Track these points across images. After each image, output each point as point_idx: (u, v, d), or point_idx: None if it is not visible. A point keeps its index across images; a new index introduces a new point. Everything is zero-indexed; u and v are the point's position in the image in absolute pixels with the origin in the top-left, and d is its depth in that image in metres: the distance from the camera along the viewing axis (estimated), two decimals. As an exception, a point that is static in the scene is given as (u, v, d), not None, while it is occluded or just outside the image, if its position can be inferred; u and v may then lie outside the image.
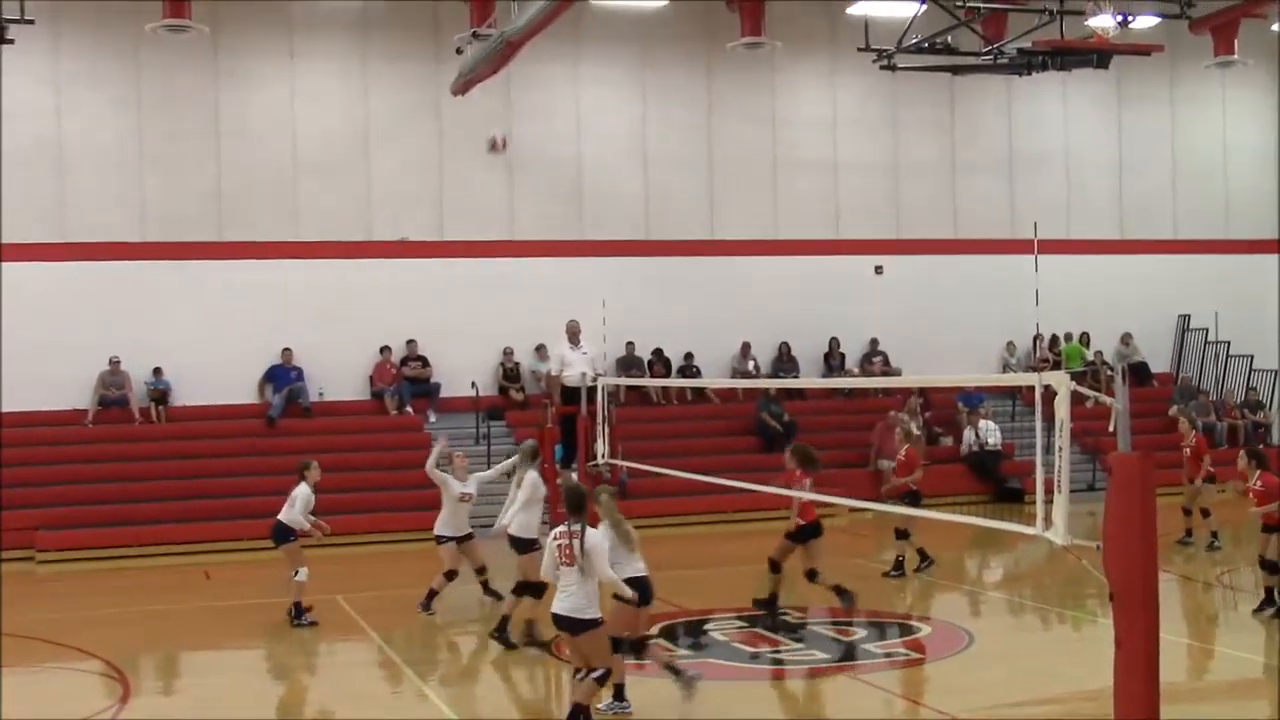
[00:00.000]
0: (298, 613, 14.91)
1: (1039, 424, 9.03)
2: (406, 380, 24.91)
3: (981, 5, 21.17)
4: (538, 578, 11.93)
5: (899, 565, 17.39)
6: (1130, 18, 20.70)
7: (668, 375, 25.81)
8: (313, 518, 15.01)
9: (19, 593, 17.69)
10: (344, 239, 24.79)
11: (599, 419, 17.86)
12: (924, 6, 21.25)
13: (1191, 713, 10.34)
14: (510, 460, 15.08)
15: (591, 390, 18.36)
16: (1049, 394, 8.59)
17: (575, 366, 19.54)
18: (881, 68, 22.26)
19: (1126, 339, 28.90)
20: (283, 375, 24.25)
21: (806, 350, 27.03)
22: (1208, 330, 29.39)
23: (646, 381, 25.46)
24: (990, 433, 25.83)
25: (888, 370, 26.84)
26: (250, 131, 24.51)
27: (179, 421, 23.78)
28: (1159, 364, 29.42)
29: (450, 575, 15.20)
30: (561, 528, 10.05)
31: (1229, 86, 29.64)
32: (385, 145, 25.14)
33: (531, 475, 13.75)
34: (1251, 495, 14.47)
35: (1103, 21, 19.38)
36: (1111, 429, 8.44)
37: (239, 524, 20.53)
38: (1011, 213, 28.31)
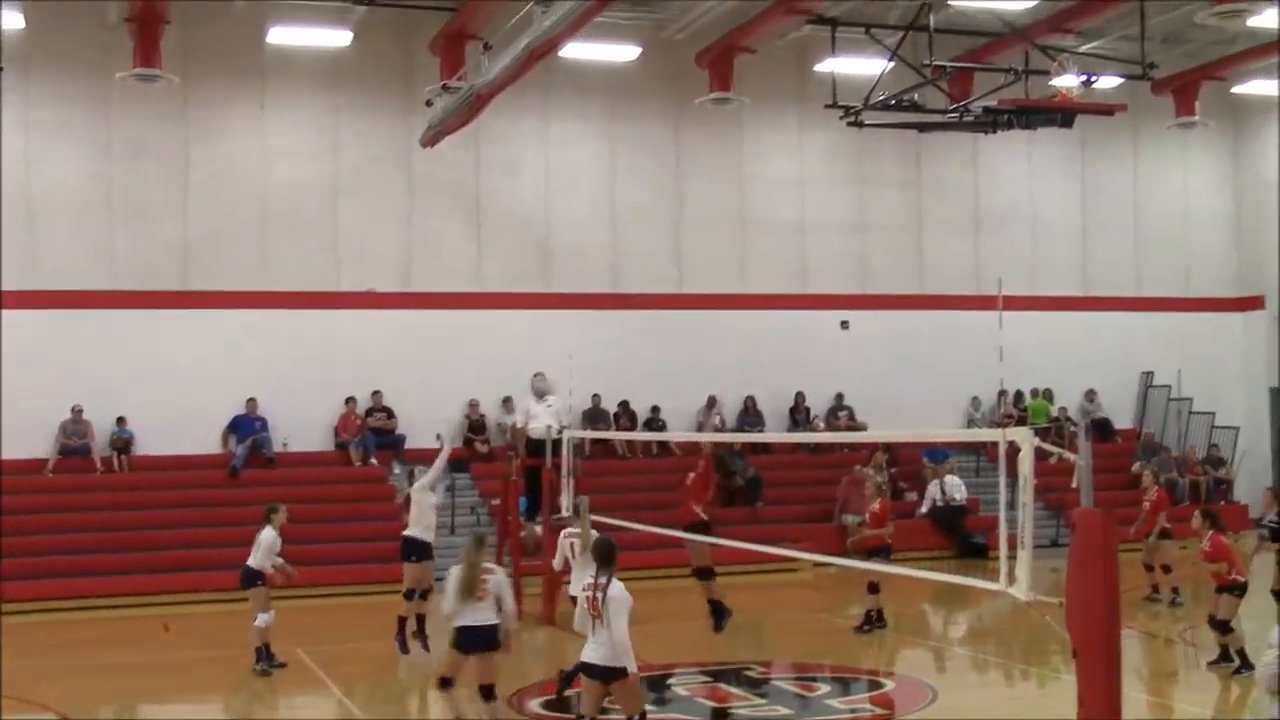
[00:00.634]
0: (261, 657, 14.78)
1: (1003, 479, 9.08)
2: (371, 431, 24.78)
3: (948, 64, 21.46)
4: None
5: (869, 620, 17.35)
6: (1094, 77, 21.00)
7: (633, 428, 25.78)
8: (280, 560, 14.91)
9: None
10: (311, 289, 24.70)
11: (564, 471, 17.86)
12: (891, 64, 21.50)
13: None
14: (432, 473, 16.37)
15: (556, 443, 18.36)
16: (1013, 450, 8.64)
17: (540, 419, 19.47)
18: (849, 124, 22.34)
19: (1090, 395, 29.07)
20: (247, 425, 24.08)
21: (772, 404, 27.07)
22: (1170, 387, 29.57)
23: (612, 435, 25.39)
24: (955, 488, 25.90)
25: (853, 425, 26.78)
26: (219, 181, 24.41)
27: (141, 471, 23.53)
28: (1122, 420, 29.57)
29: (410, 595, 15.56)
30: (589, 579, 10.01)
31: (1190, 147, 30.01)
32: (354, 196, 25.10)
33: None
34: (1201, 555, 14.63)
35: (1067, 81, 19.61)
36: (1075, 485, 8.49)
37: (201, 575, 20.39)
38: (977, 269, 28.43)
